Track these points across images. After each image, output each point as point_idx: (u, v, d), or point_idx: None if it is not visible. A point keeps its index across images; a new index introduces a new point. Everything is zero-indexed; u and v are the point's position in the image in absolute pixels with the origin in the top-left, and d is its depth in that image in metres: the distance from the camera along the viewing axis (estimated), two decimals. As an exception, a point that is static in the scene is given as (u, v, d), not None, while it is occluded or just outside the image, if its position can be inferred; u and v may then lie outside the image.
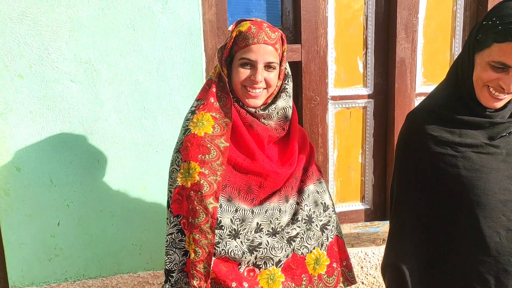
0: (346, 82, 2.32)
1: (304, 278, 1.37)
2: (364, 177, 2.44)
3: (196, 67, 1.98)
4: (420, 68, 2.35)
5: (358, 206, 2.46)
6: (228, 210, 1.28)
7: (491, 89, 1.17)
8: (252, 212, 1.30)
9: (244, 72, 1.28)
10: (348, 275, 1.44)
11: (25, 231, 1.96)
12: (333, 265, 1.41)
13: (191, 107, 1.36)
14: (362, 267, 2.27)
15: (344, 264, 1.44)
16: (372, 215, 2.45)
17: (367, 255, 2.26)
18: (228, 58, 1.32)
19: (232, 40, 1.28)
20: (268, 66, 1.29)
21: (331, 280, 1.40)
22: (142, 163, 2.01)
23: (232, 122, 1.29)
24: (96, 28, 1.87)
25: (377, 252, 2.28)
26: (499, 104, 1.20)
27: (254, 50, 1.26)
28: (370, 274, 2.28)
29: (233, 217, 1.28)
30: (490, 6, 2.26)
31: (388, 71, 2.32)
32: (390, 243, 1.42)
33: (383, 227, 2.31)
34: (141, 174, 2.02)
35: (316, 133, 2.27)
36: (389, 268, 1.41)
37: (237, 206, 1.29)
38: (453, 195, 1.25)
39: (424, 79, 2.38)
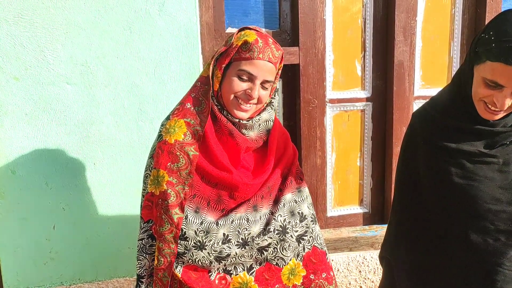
0: (344, 85, 2.31)
1: (274, 285, 1.34)
2: (362, 181, 2.42)
3: (193, 70, 1.97)
4: (419, 71, 2.34)
5: (357, 209, 2.44)
6: (193, 222, 1.26)
7: (487, 104, 1.15)
8: (217, 224, 1.28)
9: (241, 85, 1.24)
10: None
11: (20, 234, 1.94)
12: (310, 276, 1.38)
13: (171, 111, 1.34)
14: (360, 271, 2.25)
15: (323, 276, 1.39)
16: (370, 219, 2.44)
17: (366, 259, 2.24)
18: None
19: (236, 49, 1.24)
20: (264, 84, 1.26)
21: None
22: (139, 166, 1.99)
23: (204, 131, 1.25)
24: (93, 30, 1.86)
25: (376, 256, 2.26)
26: (496, 117, 1.17)
27: (257, 65, 1.23)
28: (368, 278, 2.26)
29: (197, 229, 1.26)
30: (488, 10, 2.26)
31: (387, 74, 2.31)
32: (386, 237, 1.47)
33: (381, 231, 2.30)
34: (137, 177, 2.00)
35: (314, 136, 2.26)
36: (383, 260, 1.48)
37: (203, 218, 1.27)
38: (444, 200, 1.25)
39: (422, 82, 2.37)
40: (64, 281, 2.02)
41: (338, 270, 2.22)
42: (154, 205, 1.27)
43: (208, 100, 1.26)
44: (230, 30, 2.14)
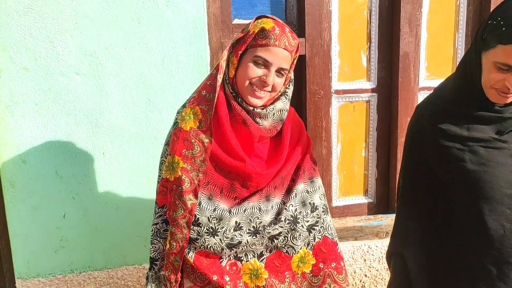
0: (350, 76, 2.33)
1: (287, 275, 1.37)
2: (367, 171, 2.45)
3: (200, 61, 1.99)
4: (424, 62, 2.36)
5: (361, 199, 2.47)
6: (207, 208, 1.29)
7: (500, 92, 1.17)
8: (230, 211, 1.30)
9: (256, 71, 1.26)
10: (336, 277, 1.41)
11: (31, 223, 1.97)
12: (320, 265, 1.40)
13: (187, 99, 1.37)
14: (365, 260, 2.28)
15: (332, 265, 1.41)
16: (375, 209, 2.46)
17: (370, 248, 2.27)
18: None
19: (253, 35, 1.26)
20: (279, 72, 1.28)
21: (316, 279, 1.39)
22: (147, 156, 2.02)
23: (218, 117, 1.28)
24: (101, 20, 1.88)
25: (380, 245, 2.29)
26: (508, 100, 1.20)
27: (273, 52, 1.24)
28: (373, 267, 2.30)
29: (210, 216, 1.29)
30: (493, 1, 2.27)
31: (392, 65, 2.33)
32: (396, 232, 1.45)
33: (386, 220, 2.32)
34: (146, 167, 2.03)
35: (320, 126, 2.28)
36: (393, 256, 1.44)
37: (216, 205, 1.30)
38: (459, 188, 1.26)
39: (427, 73, 2.38)
40: (74, 268, 2.06)
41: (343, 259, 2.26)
42: (168, 190, 1.30)
43: (215, 87, 1.28)
44: (237, 21, 2.16)
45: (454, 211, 1.28)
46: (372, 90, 2.35)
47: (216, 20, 2.04)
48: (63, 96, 1.90)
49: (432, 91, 1.39)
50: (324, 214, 1.44)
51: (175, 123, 1.32)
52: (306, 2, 2.13)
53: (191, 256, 1.31)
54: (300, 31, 2.21)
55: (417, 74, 2.32)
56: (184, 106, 1.33)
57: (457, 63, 2.34)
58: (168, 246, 1.29)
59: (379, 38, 2.30)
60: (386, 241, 2.26)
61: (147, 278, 1.38)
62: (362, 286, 2.30)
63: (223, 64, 1.29)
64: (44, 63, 1.87)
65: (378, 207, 2.47)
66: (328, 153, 2.35)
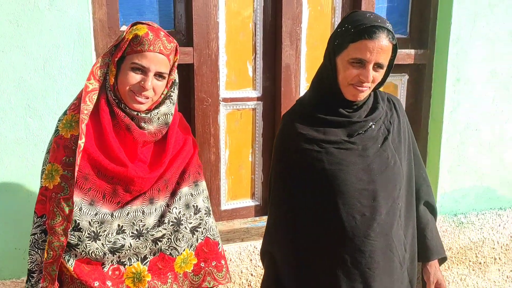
0: (237, 85, 2.45)
1: (170, 276, 1.43)
2: (254, 175, 2.59)
3: (85, 66, 1.96)
4: (304, 73, 2.56)
5: (249, 202, 2.60)
6: (88, 213, 1.30)
7: (356, 86, 1.36)
8: (112, 215, 1.33)
9: (135, 77, 1.30)
10: (216, 275, 1.51)
11: None
12: (201, 264, 1.49)
13: (68, 106, 1.37)
14: (251, 260, 2.41)
15: (213, 264, 1.51)
16: (261, 211, 2.61)
17: (256, 248, 2.41)
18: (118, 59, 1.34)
19: (127, 42, 1.29)
20: (159, 75, 1.33)
21: (197, 278, 1.48)
22: (27, 164, 1.94)
23: (100, 124, 1.31)
24: (-27, 21, 1.77)
25: (266, 245, 2.43)
26: (362, 96, 1.39)
27: (148, 58, 1.29)
28: (258, 266, 2.43)
29: (91, 220, 1.30)
30: (362, 20, 2.54)
31: (275, 75, 2.50)
32: (267, 232, 1.58)
33: (271, 221, 2.47)
34: (25, 176, 1.94)
35: (208, 133, 2.37)
36: (265, 254, 1.58)
37: (97, 210, 1.32)
38: (319, 186, 1.42)
39: (307, 83, 2.59)
40: None
41: (230, 260, 2.36)
42: (48, 199, 1.28)
43: (104, 94, 1.33)
44: (124, 28, 2.16)
45: (315, 207, 1.43)
46: (258, 99, 2.50)
47: (102, 26, 2.03)
48: None
49: (296, 101, 1.55)
50: (206, 216, 1.52)
51: (56, 130, 1.31)
52: (194, 13, 2.20)
53: (71, 264, 1.30)
54: (188, 40, 2.27)
55: (298, 84, 2.51)
56: (65, 113, 1.33)
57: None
58: (46, 255, 1.27)
59: (263, 50, 2.46)
60: (271, 240, 2.42)
61: None
62: (248, 285, 2.42)
63: (96, 71, 1.31)
64: None
65: (264, 209, 2.61)
66: (216, 159, 2.44)
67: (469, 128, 2.77)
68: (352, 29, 1.33)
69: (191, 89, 2.31)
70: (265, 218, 2.51)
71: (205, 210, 1.52)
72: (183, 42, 2.28)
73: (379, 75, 1.38)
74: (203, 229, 1.50)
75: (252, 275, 2.42)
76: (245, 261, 2.39)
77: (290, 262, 1.50)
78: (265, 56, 2.47)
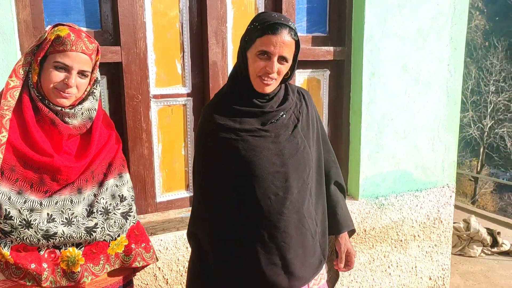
0: (167, 82, 2.55)
1: (102, 258, 1.54)
2: (187, 168, 2.70)
3: (10, 66, 1.99)
4: (230, 69, 2.69)
5: (184, 194, 2.72)
6: (17, 201, 1.39)
7: (262, 78, 1.52)
8: (41, 204, 1.42)
9: (58, 75, 1.39)
10: (145, 256, 1.64)
11: None
12: (132, 246, 1.61)
13: None
14: (187, 248, 2.52)
15: (142, 246, 1.64)
16: (196, 202, 2.73)
17: (191, 237, 2.52)
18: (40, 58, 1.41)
19: (49, 42, 1.38)
20: (81, 74, 1.43)
21: (128, 258, 1.60)
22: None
23: (23, 118, 1.39)
24: None
25: (200, 233, 2.56)
26: (269, 89, 1.55)
27: (71, 57, 1.39)
28: (194, 253, 2.55)
29: (21, 208, 1.38)
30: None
31: (203, 72, 2.63)
32: (192, 215, 1.70)
33: (204, 211, 2.60)
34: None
35: (140, 128, 2.46)
36: (191, 235, 1.69)
37: (26, 198, 1.40)
38: (237, 171, 1.56)
39: (235, 80, 2.73)
40: None
41: (166, 249, 2.46)
42: None
43: (28, 91, 1.41)
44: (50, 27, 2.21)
45: (234, 190, 1.57)
46: (188, 95, 2.62)
47: (27, 27, 2.07)
48: None
49: (214, 95, 1.69)
50: (133, 202, 1.64)
51: None
52: (120, 13, 2.29)
53: (7, 250, 1.37)
54: (115, 39, 2.35)
55: (225, 80, 2.63)
56: None
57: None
58: None
59: (191, 49, 2.58)
60: (205, 229, 2.55)
61: None
62: (185, 272, 2.53)
63: (18, 69, 1.39)
64: None
65: (198, 199, 2.74)
66: (150, 153, 2.54)
67: (385, 118, 3.03)
68: (259, 26, 1.50)
69: (121, 86, 2.39)
70: (198, 208, 2.64)
71: (131, 198, 1.64)
72: (111, 41, 2.36)
73: (284, 67, 1.54)
74: (134, 213, 1.64)
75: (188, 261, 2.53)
76: (181, 249, 2.50)
77: (213, 240, 1.62)
78: (193, 54, 2.59)
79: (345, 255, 1.82)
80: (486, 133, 19.77)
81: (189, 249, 2.52)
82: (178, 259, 2.51)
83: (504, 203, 20.88)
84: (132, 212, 1.62)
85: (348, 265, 1.84)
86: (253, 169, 1.54)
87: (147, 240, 1.67)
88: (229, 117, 1.58)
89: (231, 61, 2.70)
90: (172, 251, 2.48)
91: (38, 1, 2.13)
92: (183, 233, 2.48)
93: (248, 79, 1.56)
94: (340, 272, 1.94)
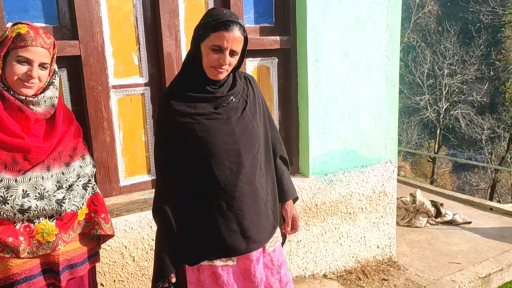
0: (125, 73, 2.73)
1: (71, 227, 1.75)
2: (148, 153, 2.89)
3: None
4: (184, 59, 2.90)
5: (146, 177, 2.91)
6: None
7: (216, 68, 1.71)
8: (16, 180, 1.60)
9: (21, 68, 1.58)
10: (103, 226, 1.84)
11: None
12: (92, 214, 1.82)
13: None
14: (151, 227, 2.72)
15: (102, 216, 1.85)
16: (157, 184, 2.93)
17: (154, 216, 2.73)
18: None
19: (11, 40, 1.55)
20: (42, 66, 1.61)
21: (88, 225, 1.82)
22: None
23: None
24: None
25: (162, 212, 2.76)
26: (221, 76, 1.75)
27: (32, 51, 1.57)
28: (157, 231, 2.76)
29: None
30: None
31: (159, 63, 2.81)
32: (157, 193, 1.86)
33: (165, 191, 2.81)
34: None
35: (101, 117, 2.63)
36: (158, 212, 1.83)
37: (2, 177, 1.58)
38: (194, 150, 1.76)
39: (189, 69, 2.94)
40: None
41: (132, 229, 2.66)
42: None
43: None
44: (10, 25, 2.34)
45: (193, 167, 1.77)
46: (145, 84, 2.80)
47: (-12, 24, 2.21)
48: None
49: (169, 83, 1.88)
50: (92, 177, 1.84)
51: None
52: (76, 9, 2.44)
53: None
54: (74, 34, 2.51)
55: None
56: None
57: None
58: None
59: (146, 41, 2.76)
60: (167, 208, 2.75)
61: None
62: (150, 249, 2.74)
63: None
64: None
65: (159, 182, 2.94)
66: (112, 140, 2.72)
67: (330, 101, 3.31)
68: (213, 21, 1.67)
69: (81, 78, 2.55)
70: (159, 189, 2.84)
71: (91, 172, 1.85)
72: (69, 36, 2.51)
73: (234, 60, 1.74)
74: (94, 185, 1.86)
75: (153, 240, 2.74)
76: (145, 229, 2.71)
77: (177, 212, 1.80)
78: (148, 46, 2.77)
79: (291, 220, 2.05)
80: (442, 115, 20.61)
81: (154, 228, 2.74)
82: (143, 238, 2.72)
83: (461, 182, 21.95)
84: (90, 183, 1.84)
85: (294, 228, 2.06)
86: (210, 147, 1.74)
87: (105, 211, 1.88)
88: (184, 102, 1.76)
89: (184, 52, 2.89)
90: (137, 230, 2.68)
91: (-2, -1, 2.26)
92: (147, 213, 2.70)
93: (201, 68, 1.74)
94: (288, 240, 2.17)
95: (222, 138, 1.76)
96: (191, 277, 1.82)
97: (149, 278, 2.78)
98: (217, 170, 1.76)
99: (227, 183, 1.77)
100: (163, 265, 1.77)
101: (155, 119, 1.88)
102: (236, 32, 1.68)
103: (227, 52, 1.69)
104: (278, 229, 2.00)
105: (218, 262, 1.80)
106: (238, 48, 1.72)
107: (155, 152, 1.90)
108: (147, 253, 2.75)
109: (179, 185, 1.80)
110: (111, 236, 1.90)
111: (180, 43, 2.84)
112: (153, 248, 2.72)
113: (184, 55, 2.89)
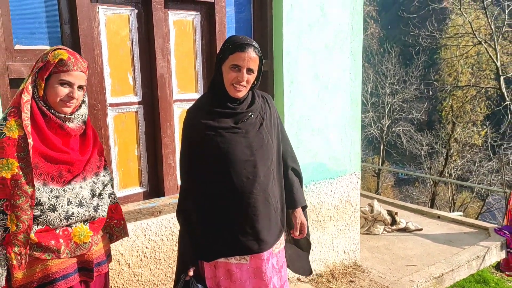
0: (120, 92, 2.93)
1: (100, 228, 1.98)
2: (140, 167, 3.08)
3: (-10, 81, 2.27)
4: (175, 80, 3.15)
5: (138, 189, 3.09)
6: (45, 191, 1.76)
7: (235, 85, 1.94)
8: (64, 190, 1.81)
9: (63, 90, 1.78)
10: (114, 229, 2.11)
11: None
12: (107, 220, 2.05)
13: (4, 113, 1.76)
14: (145, 235, 2.91)
15: (115, 221, 2.11)
16: (149, 196, 3.12)
17: (148, 225, 2.92)
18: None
19: (54, 64, 1.74)
20: (80, 87, 1.82)
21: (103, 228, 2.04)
22: None
23: (38, 126, 1.74)
24: None
25: (156, 222, 2.96)
26: (240, 94, 1.97)
27: (74, 75, 1.78)
28: (152, 240, 2.94)
29: (49, 196, 1.76)
30: (217, 38, 3.22)
31: (152, 83, 3.04)
32: (181, 197, 2.08)
33: (158, 202, 3.01)
34: None
35: (100, 133, 2.80)
36: (181, 212, 2.06)
37: (51, 188, 1.77)
38: (216, 160, 1.97)
39: (178, 89, 3.18)
40: None
41: (128, 237, 2.82)
42: (5, 186, 1.66)
43: (37, 104, 1.76)
44: (18, 47, 2.49)
45: (215, 175, 1.99)
46: (139, 103, 3.01)
47: (0, 46, 2.35)
48: None
49: (196, 99, 2.11)
50: (112, 189, 2.07)
51: (1, 133, 1.69)
52: (80, 33, 2.63)
53: (33, 231, 1.72)
54: (76, 56, 2.68)
55: (171, 90, 3.09)
56: (6, 119, 1.71)
57: (198, 81, 3.24)
58: (14, 228, 1.65)
59: (140, 63, 2.98)
60: (161, 218, 2.96)
61: None
62: (144, 256, 2.92)
63: (28, 86, 1.74)
64: None
65: (151, 193, 3.13)
66: (108, 155, 2.89)
67: (303, 118, 3.65)
68: (230, 45, 1.93)
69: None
70: (153, 200, 3.05)
71: (111, 182, 2.08)
72: (73, 58, 2.68)
73: (251, 77, 1.96)
74: (115, 196, 2.09)
75: (147, 247, 2.92)
76: (140, 237, 2.89)
77: (198, 214, 2.02)
78: (142, 67, 2.99)
79: (299, 225, 2.25)
80: (385, 132, 21.72)
81: (147, 236, 2.94)
82: (138, 246, 2.89)
83: (403, 195, 23.10)
84: (113, 194, 2.07)
85: (302, 233, 2.27)
86: (229, 158, 1.96)
87: (120, 218, 2.12)
88: (209, 117, 1.98)
89: (174, 73, 3.13)
90: (132, 239, 2.86)
91: (8, 24, 2.41)
92: (142, 222, 2.89)
93: (223, 87, 1.97)
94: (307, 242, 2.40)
95: (241, 150, 1.97)
96: (208, 273, 2.05)
97: (143, 284, 2.95)
98: (235, 178, 1.97)
99: (244, 190, 1.98)
100: (185, 260, 1.99)
101: (182, 128, 2.08)
102: (251, 53, 1.91)
103: (244, 70, 1.91)
104: (283, 234, 2.21)
105: (233, 260, 2.03)
106: (254, 66, 1.94)
107: (180, 159, 2.09)
108: (141, 260, 2.92)
109: (200, 190, 2.01)
110: (119, 237, 2.15)
111: (170, 65, 3.08)
112: (147, 255, 2.92)
113: (174, 75, 3.13)
